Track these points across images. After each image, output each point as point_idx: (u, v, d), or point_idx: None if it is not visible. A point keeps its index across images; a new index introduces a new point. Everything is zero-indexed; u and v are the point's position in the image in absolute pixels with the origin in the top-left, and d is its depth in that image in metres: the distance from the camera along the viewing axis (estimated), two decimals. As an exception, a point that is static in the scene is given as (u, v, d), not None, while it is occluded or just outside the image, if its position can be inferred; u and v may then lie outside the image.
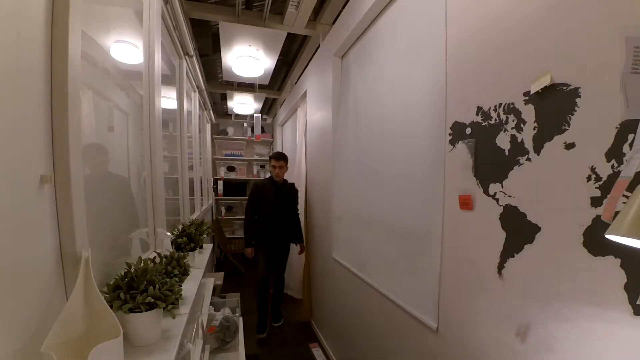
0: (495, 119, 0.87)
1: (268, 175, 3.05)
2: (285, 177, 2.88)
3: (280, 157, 2.79)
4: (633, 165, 0.55)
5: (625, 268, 0.58)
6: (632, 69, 0.56)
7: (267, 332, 2.84)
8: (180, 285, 0.87)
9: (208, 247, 1.92)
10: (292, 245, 3.00)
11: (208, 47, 3.09)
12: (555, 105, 0.71)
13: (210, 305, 2.27)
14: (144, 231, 1.26)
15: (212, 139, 5.08)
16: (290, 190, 2.89)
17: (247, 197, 3.45)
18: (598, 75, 0.63)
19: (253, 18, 2.49)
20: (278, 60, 3.07)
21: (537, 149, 0.75)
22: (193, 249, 1.50)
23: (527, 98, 0.78)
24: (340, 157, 2.20)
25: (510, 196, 0.83)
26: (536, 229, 0.75)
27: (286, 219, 2.84)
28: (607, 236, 0.46)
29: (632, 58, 0.56)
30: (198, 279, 1.31)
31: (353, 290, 1.97)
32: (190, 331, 1.25)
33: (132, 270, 0.78)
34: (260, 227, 2.76)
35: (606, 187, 0.61)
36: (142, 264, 0.80)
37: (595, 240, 0.63)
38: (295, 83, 3.58)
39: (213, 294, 2.23)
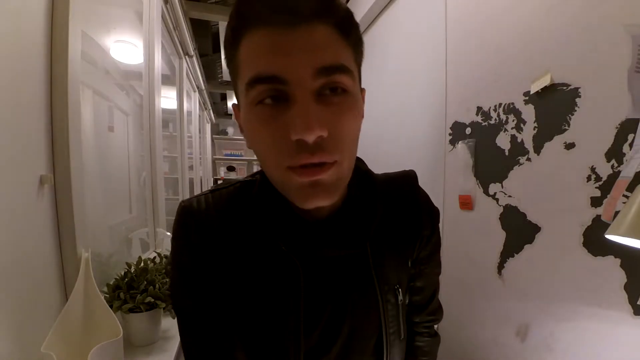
0: (495, 119, 0.87)
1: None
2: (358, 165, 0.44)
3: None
4: (633, 165, 0.54)
5: (625, 268, 0.58)
6: (636, 68, 0.56)
7: None
8: (180, 285, 0.87)
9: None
10: None
11: (208, 47, 3.09)
12: (555, 105, 0.71)
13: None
14: (144, 231, 1.27)
15: (212, 139, 5.08)
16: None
17: None
18: (598, 75, 0.63)
19: (253, 18, 2.48)
20: (278, 60, 3.07)
21: (537, 149, 0.75)
22: (193, 249, 1.50)
23: (527, 98, 0.78)
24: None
25: (510, 196, 0.83)
26: (536, 229, 0.75)
27: None
28: (607, 236, 0.46)
29: (637, 57, 0.56)
30: (198, 279, 1.31)
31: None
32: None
33: (132, 270, 0.78)
34: None
35: (606, 187, 0.61)
36: (142, 264, 0.80)
37: (595, 240, 0.63)
38: (295, 83, 3.57)
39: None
